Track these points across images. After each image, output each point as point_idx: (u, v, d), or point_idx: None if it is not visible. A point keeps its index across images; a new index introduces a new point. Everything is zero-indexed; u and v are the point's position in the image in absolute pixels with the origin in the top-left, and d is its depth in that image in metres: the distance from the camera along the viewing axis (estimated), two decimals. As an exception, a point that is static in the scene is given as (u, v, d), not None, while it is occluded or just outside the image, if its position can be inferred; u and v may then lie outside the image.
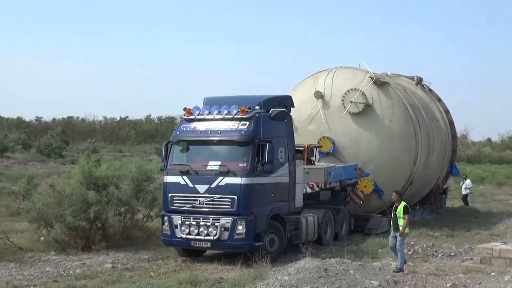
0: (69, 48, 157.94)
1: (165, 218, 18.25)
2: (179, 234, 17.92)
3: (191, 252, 18.63)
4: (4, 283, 15.12)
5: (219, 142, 18.35)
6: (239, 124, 18.15)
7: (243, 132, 17.92)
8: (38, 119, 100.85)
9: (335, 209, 22.22)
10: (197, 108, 18.90)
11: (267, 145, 17.71)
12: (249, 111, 18.27)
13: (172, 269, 16.65)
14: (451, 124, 31.77)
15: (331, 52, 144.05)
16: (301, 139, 24.36)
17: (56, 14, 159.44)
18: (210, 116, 18.60)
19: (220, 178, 17.68)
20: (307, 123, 25.36)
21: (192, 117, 18.88)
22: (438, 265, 17.38)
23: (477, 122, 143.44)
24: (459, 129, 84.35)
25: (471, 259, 17.14)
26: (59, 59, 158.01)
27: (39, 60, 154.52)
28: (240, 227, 17.39)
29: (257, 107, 18.51)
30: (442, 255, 18.81)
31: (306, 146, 23.57)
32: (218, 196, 17.65)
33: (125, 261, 18.06)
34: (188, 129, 18.73)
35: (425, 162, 26.56)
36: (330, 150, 24.82)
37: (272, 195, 18.40)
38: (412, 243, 19.78)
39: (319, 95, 25.25)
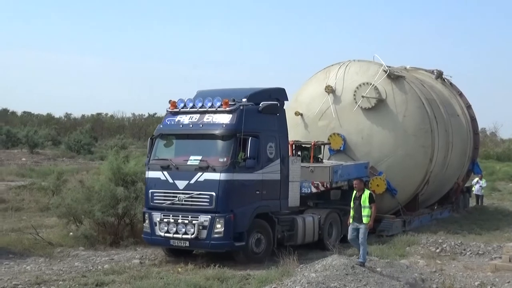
0: (99, 45, 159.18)
1: (146, 215, 17.66)
2: (158, 232, 17.30)
3: (177, 251, 17.93)
4: (34, 277, 15.28)
5: (201, 136, 17.57)
6: (222, 117, 17.36)
7: (224, 126, 17.12)
8: (67, 115, 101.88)
9: (342, 210, 20.62)
10: (181, 100, 18.21)
11: (250, 140, 16.89)
12: (233, 103, 17.44)
13: (199, 265, 16.68)
14: (473, 120, 30.20)
15: (349, 45, 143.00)
16: (311, 135, 23.88)
17: (85, 10, 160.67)
18: (194, 109, 17.89)
19: (200, 173, 16.93)
20: (318, 119, 24.46)
21: (177, 110, 18.20)
22: (466, 263, 17.27)
23: (506, 119, 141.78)
24: (488, 126, 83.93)
25: (500, 257, 17.01)
26: (88, 56, 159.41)
27: (69, 57, 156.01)
28: (218, 226, 16.60)
29: (244, 100, 17.73)
30: (471, 253, 18.69)
31: (313, 143, 22.71)
32: (197, 192, 16.94)
33: (153, 257, 18.17)
34: (172, 123, 18.07)
35: (443, 160, 25.51)
36: (340, 147, 23.77)
37: (258, 192, 17.48)
38: (440, 241, 19.71)
39: (330, 90, 24.24)
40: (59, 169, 32.99)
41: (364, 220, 15.16)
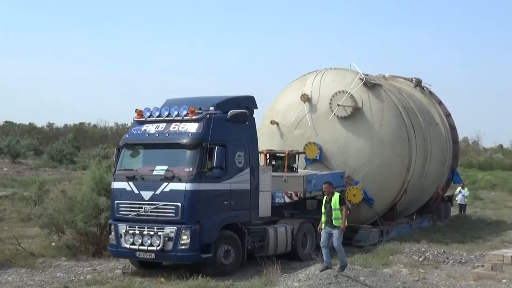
0: (82, 53, 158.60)
1: (112, 226, 17.28)
2: (124, 244, 16.93)
3: (147, 263, 17.63)
4: (15, 288, 15.22)
5: (167, 145, 17.23)
6: (188, 126, 17.07)
7: (190, 135, 16.79)
8: (50, 125, 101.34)
9: (317, 220, 19.86)
10: (148, 109, 17.88)
11: (216, 149, 16.61)
12: (200, 112, 17.14)
13: (182, 275, 16.61)
14: (452, 128, 29.90)
15: (331, 54, 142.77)
16: (287, 144, 23.65)
17: (67, 19, 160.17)
18: (161, 118, 17.61)
19: (165, 184, 16.59)
20: (294, 128, 24.15)
21: (143, 119, 17.87)
22: (449, 272, 17.31)
23: (488, 129, 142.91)
24: (471, 135, 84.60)
25: (482, 266, 17.09)
26: (71, 65, 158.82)
27: (51, 66, 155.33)
28: (184, 237, 16.23)
29: (211, 108, 17.40)
30: (453, 261, 18.74)
31: (287, 152, 22.54)
32: (162, 203, 16.58)
33: (135, 267, 18.06)
34: (138, 132, 17.75)
35: (421, 169, 25.20)
36: (316, 157, 23.40)
37: (226, 203, 17.14)
38: (423, 249, 19.76)
39: (306, 98, 23.97)
40: (41, 179, 32.91)
41: (335, 222, 14.99)
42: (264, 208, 18.78)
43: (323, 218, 15.31)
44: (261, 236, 18.34)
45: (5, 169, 53.28)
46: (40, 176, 42.69)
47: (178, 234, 16.32)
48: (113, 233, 17.26)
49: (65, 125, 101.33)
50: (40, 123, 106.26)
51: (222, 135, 17.17)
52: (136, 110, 18.05)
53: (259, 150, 19.68)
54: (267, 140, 24.17)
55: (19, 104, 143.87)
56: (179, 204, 16.40)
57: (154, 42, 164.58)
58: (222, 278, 16.36)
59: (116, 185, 17.57)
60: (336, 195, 15.20)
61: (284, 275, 15.58)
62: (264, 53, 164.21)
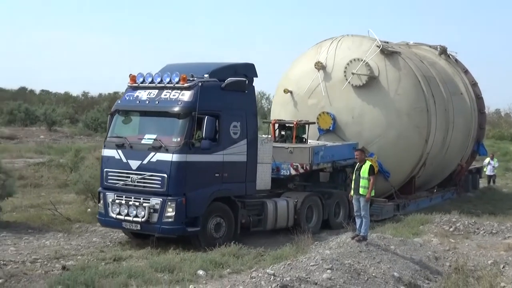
0: (117, 25, 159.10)
1: (101, 195, 16.87)
2: (111, 213, 16.51)
3: (140, 235, 16.99)
4: (53, 252, 15.59)
5: (157, 113, 16.51)
6: (179, 93, 16.28)
7: (180, 103, 16.04)
8: (85, 94, 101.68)
9: (325, 193, 19.74)
10: (141, 75, 17.07)
11: (206, 119, 15.75)
12: (192, 79, 16.38)
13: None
14: (479, 98, 28.25)
15: (356, 21, 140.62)
16: (301, 114, 22.83)
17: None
18: (153, 84, 16.84)
19: (152, 153, 15.97)
20: (307, 97, 23.17)
21: (135, 84, 17.13)
22: (479, 242, 17.26)
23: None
24: (503, 107, 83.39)
25: (513, 236, 17.11)
26: (106, 36, 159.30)
27: (86, 36, 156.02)
28: (169, 210, 15.69)
29: (206, 76, 16.60)
30: (484, 232, 18.66)
31: (295, 122, 21.55)
32: (149, 173, 16.05)
33: (170, 233, 18.31)
34: (131, 98, 17.02)
35: (442, 141, 24.19)
36: (330, 127, 22.53)
37: (217, 175, 16.49)
38: (453, 220, 19.75)
39: (320, 66, 22.89)
40: (76, 147, 33.37)
41: (361, 191, 14.96)
42: (263, 180, 18.18)
43: (352, 185, 15.36)
44: (258, 209, 17.81)
45: (42, 136, 53.82)
46: (76, 144, 43.22)
47: (163, 206, 15.82)
48: (101, 201, 16.88)
49: (100, 94, 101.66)
50: (75, 92, 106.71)
51: (215, 104, 16.46)
52: (130, 75, 17.34)
53: (270, 119, 18.98)
54: (280, 109, 23.72)
55: (55, 73, 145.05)
56: (165, 175, 15.83)
57: (189, 14, 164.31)
58: (254, 245, 16.51)
59: (106, 152, 17.07)
60: (368, 164, 15.17)
61: (315, 243, 15.76)
62: (286, 22, 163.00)
